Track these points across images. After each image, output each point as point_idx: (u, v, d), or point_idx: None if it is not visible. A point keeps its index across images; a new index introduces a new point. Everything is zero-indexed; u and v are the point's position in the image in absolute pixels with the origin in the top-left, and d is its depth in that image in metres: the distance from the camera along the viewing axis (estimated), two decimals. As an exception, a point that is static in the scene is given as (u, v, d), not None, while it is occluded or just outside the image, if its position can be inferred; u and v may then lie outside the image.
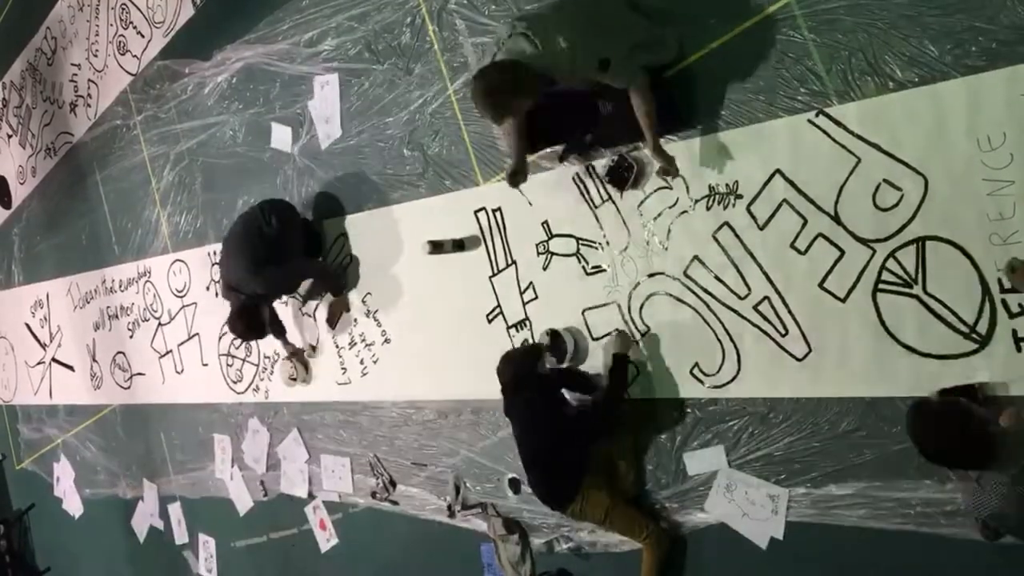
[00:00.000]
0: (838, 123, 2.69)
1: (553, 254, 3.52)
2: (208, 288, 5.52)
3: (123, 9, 5.90)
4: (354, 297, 4.47)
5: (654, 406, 3.28)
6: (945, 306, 2.54)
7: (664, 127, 3.02)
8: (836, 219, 2.72)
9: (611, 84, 2.81)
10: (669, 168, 2.96)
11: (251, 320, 4.34)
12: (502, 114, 2.84)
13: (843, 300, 2.74)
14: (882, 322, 2.67)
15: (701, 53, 2.95)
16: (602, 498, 3.20)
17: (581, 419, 3.27)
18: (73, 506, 7.70)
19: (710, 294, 3.05)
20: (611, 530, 3.32)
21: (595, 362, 3.43)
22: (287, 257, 4.30)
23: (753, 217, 2.91)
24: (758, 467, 3.03)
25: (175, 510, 6.25)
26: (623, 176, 3.19)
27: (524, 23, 2.74)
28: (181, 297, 5.81)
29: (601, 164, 3.26)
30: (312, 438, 4.90)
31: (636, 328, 3.28)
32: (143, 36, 5.75)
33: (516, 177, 3.16)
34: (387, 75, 4.12)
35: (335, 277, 4.51)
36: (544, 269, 3.56)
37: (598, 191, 3.31)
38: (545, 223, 3.51)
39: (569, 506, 3.23)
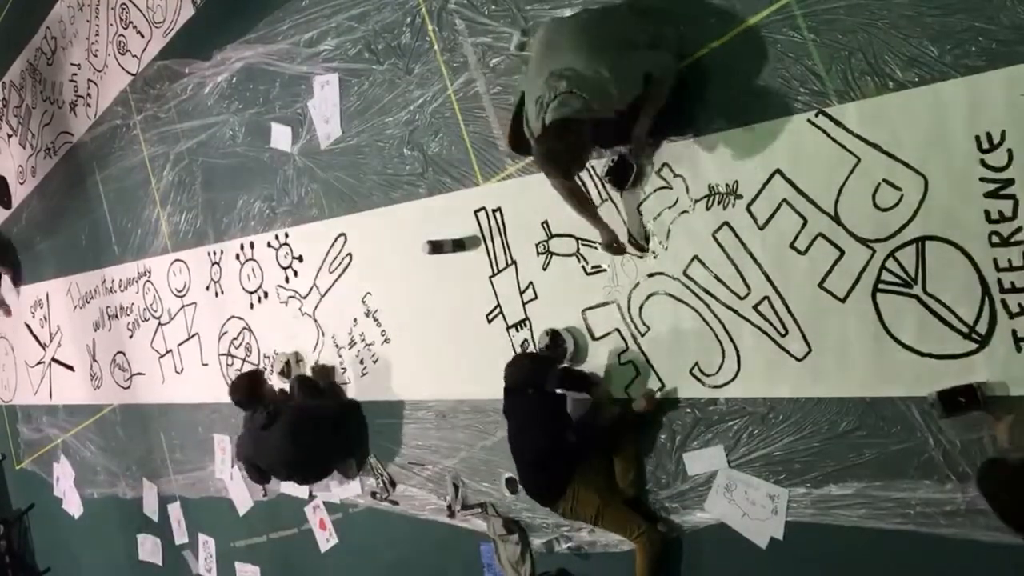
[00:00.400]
0: (838, 123, 2.69)
1: (553, 254, 3.52)
2: (208, 288, 5.52)
3: (123, 9, 5.90)
4: (354, 297, 4.46)
5: (654, 406, 3.28)
6: (945, 306, 2.54)
7: (665, 128, 3.03)
8: (836, 219, 2.72)
9: (653, 92, 2.86)
10: (632, 163, 3.11)
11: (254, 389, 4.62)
12: (572, 174, 2.99)
13: (843, 300, 2.74)
14: (882, 322, 2.67)
15: (701, 53, 2.95)
16: (592, 497, 3.21)
17: (577, 427, 3.30)
18: (73, 506, 7.70)
19: (710, 294, 3.05)
20: (603, 528, 3.33)
21: (596, 361, 3.43)
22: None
23: (753, 217, 2.91)
24: (758, 467, 3.02)
25: (175, 510, 6.25)
26: (622, 176, 3.19)
27: (564, 82, 2.71)
28: (181, 297, 5.81)
29: (601, 164, 3.26)
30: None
31: (636, 328, 3.28)
32: (143, 36, 5.75)
33: (614, 248, 3.24)
34: (387, 75, 4.12)
35: None
36: (544, 269, 3.56)
37: (598, 191, 3.31)
38: (545, 223, 3.51)
39: (559, 503, 3.24)
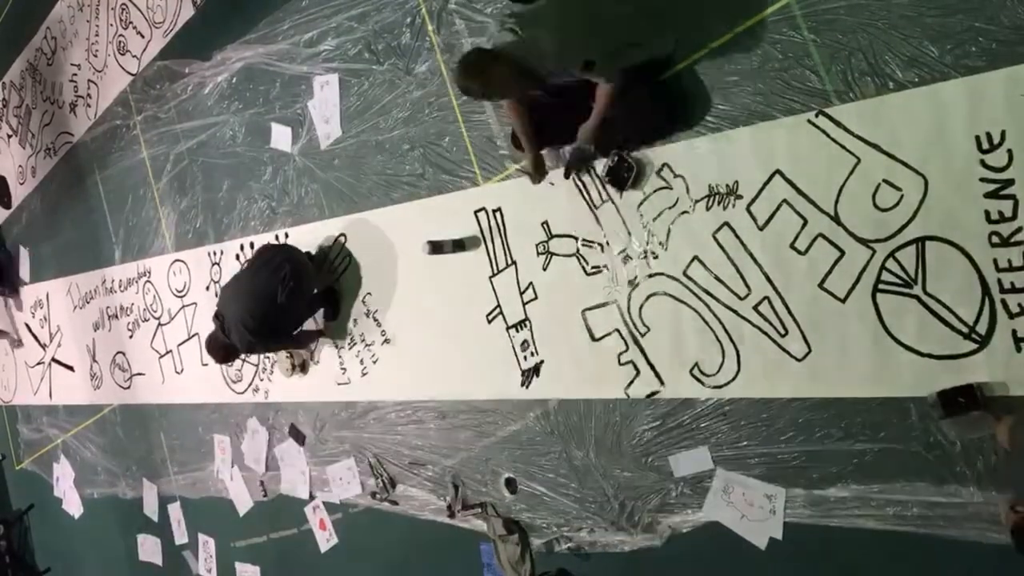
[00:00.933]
0: (838, 123, 2.69)
1: (553, 254, 3.52)
2: (208, 288, 5.52)
3: (123, 9, 5.90)
4: (354, 296, 4.46)
5: (654, 406, 3.28)
6: (945, 306, 2.54)
7: (665, 129, 3.04)
8: (836, 219, 2.72)
9: (592, 79, 2.90)
10: (589, 146, 3.13)
11: (229, 354, 4.48)
12: (482, 90, 2.94)
13: (843, 300, 2.74)
14: (882, 322, 2.67)
15: (701, 53, 2.95)
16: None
17: None
18: (73, 506, 7.71)
19: (710, 294, 3.05)
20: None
21: (597, 358, 3.42)
22: (286, 327, 4.40)
23: (753, 217, 2.91)
24: (756, 467, 3.02)
25: (175, 510, 6.26)
26: (622, 176, 3.19)
27: (513, 19, 2.83)
28: (181, 297, 5.81)
29: (600, 164, 3.26)
30: (312, 438, 4.90)
31: (636, 328, 3.28)
32: (143, 36, 5.75)
33: (536, 176, 3.34)
34: (387, 75, 4.12)
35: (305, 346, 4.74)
36: (544, 269, 3.56)
37: (598, 191, 3.31)
38: (545, 223, 3.51)
39: None
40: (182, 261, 5.75)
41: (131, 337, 6.49)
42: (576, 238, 3.41)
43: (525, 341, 3.65)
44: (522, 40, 2.78)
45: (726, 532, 3.11)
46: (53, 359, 7.73)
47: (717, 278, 3.02)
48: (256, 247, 4.85)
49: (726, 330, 3.03)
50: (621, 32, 2.86)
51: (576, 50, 2.78)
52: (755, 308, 2.95)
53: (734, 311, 3.00)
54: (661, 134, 3.08)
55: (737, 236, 2.95)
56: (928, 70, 2.50)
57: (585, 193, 3.35)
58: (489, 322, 3.79)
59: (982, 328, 2.48)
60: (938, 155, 2.51)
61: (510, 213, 3.66)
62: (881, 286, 2.66)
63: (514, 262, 3.66)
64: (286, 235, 4.84)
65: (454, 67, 2.95)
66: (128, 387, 6.62)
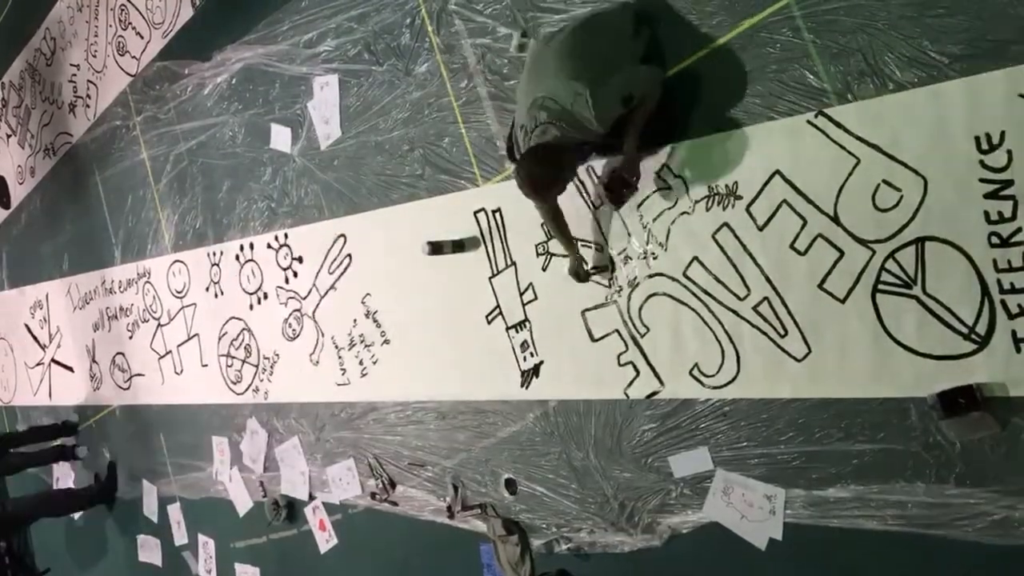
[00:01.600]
0: (837, 124, 2.69)
1: (553, 255, 3.52)
2: (207, 289, 5.52)
3: (122, 10, 5.90)
4: (354, 297, 4.47)
5: (654, 407, 3.28)
6: (944, 307, 2.54)
7: (665, 130, 3.04)
8: (835, 220, 2.72)
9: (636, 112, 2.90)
10: (629, 181, 3.06)
11: None
12: (548, 198, 3.06)
13: (843, 301, 2.74)
14: (881, 323, 2.67)
15: (700, 54, 2.95)
16: None
17: None
18: (73, 507, 7.70)
19: (709, 295, 3.05)
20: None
21: (597, 356, 3.42)
22: None
23: (752, 218, 2.91)
24: (756, 468, 3.02)
25: (175, 511, 6.26)
26: (619, 193, 3.17)
27: (544, 113, 2.81)
28: (180, 298, 5.81)
29: (601, 168, 3.25)
30: (311, 438, 4.90)
31: (635, 329, 3.28)
32: (142, 37, 5.75)
33: (579, 275, 3.31)
34: (386, 76, 4.12)
35: None
36: (544, 270, 3.56)
37: (598, 192, 3.31)
38: (545, 224, 3.51)
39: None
40: (182, 262, 5.75)
41: (131, 338, 6.49)
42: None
43: (525, 342, 3.65)
44: (562, 128, 2.78)
45: (726, 532, 3.11)
46: (53, 360, 7.73)
47: (717, 279, 3.02)
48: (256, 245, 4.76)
49: (726, 330, 3.03)
50: (633, 44, 2.88)
51: (609, 95, 2.77)
52: (755, 308, 2.95)
53: (734, 311, 3.00)
54: (660, 135, 3.08)
55: (737, 237, 2.95)
56: (928, 70, 2.50)
57: (585, 193, 3.35)
58: (489, 323, 3.79)
59: (982, 328, 2.48)
60: (938, 156, 2.51)
61: (510, 214, 3.66)
62: (881, 286, 2.66)
63: (514, 262, 3.66)
64: (285, 235, 4.85)
65: (517, 175, 2.89)
66: (128, 388, 6.62)
